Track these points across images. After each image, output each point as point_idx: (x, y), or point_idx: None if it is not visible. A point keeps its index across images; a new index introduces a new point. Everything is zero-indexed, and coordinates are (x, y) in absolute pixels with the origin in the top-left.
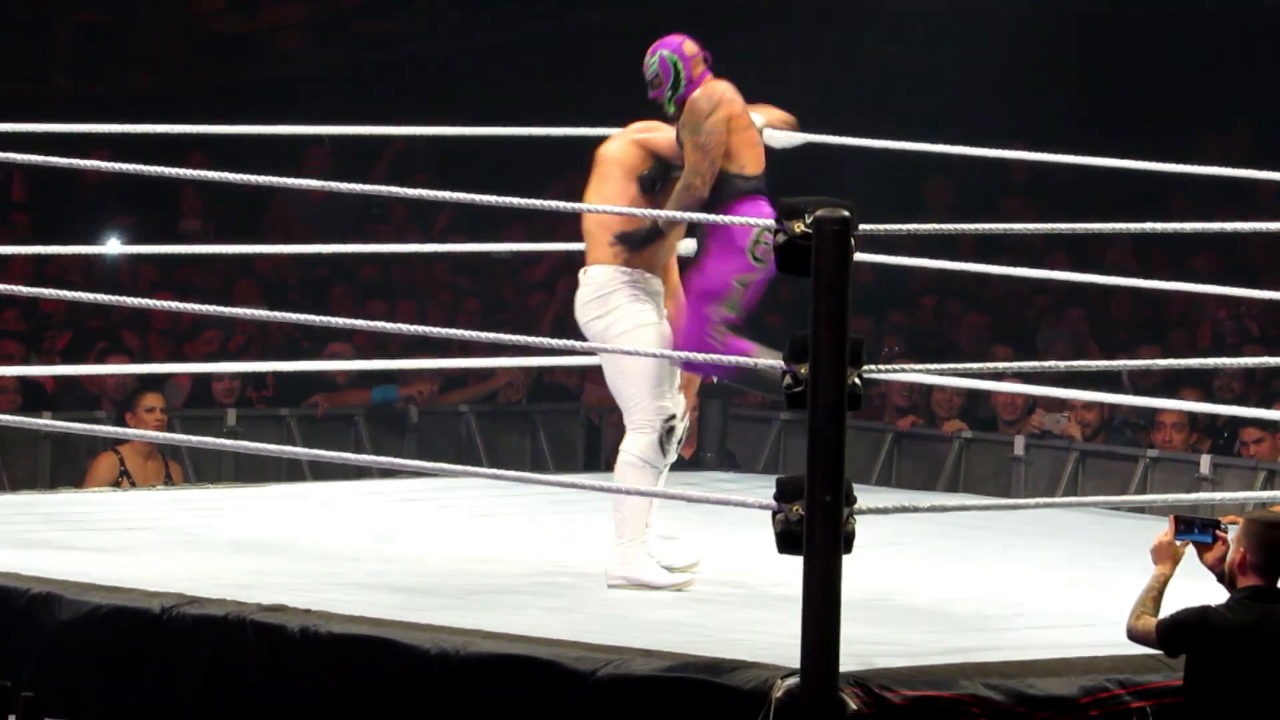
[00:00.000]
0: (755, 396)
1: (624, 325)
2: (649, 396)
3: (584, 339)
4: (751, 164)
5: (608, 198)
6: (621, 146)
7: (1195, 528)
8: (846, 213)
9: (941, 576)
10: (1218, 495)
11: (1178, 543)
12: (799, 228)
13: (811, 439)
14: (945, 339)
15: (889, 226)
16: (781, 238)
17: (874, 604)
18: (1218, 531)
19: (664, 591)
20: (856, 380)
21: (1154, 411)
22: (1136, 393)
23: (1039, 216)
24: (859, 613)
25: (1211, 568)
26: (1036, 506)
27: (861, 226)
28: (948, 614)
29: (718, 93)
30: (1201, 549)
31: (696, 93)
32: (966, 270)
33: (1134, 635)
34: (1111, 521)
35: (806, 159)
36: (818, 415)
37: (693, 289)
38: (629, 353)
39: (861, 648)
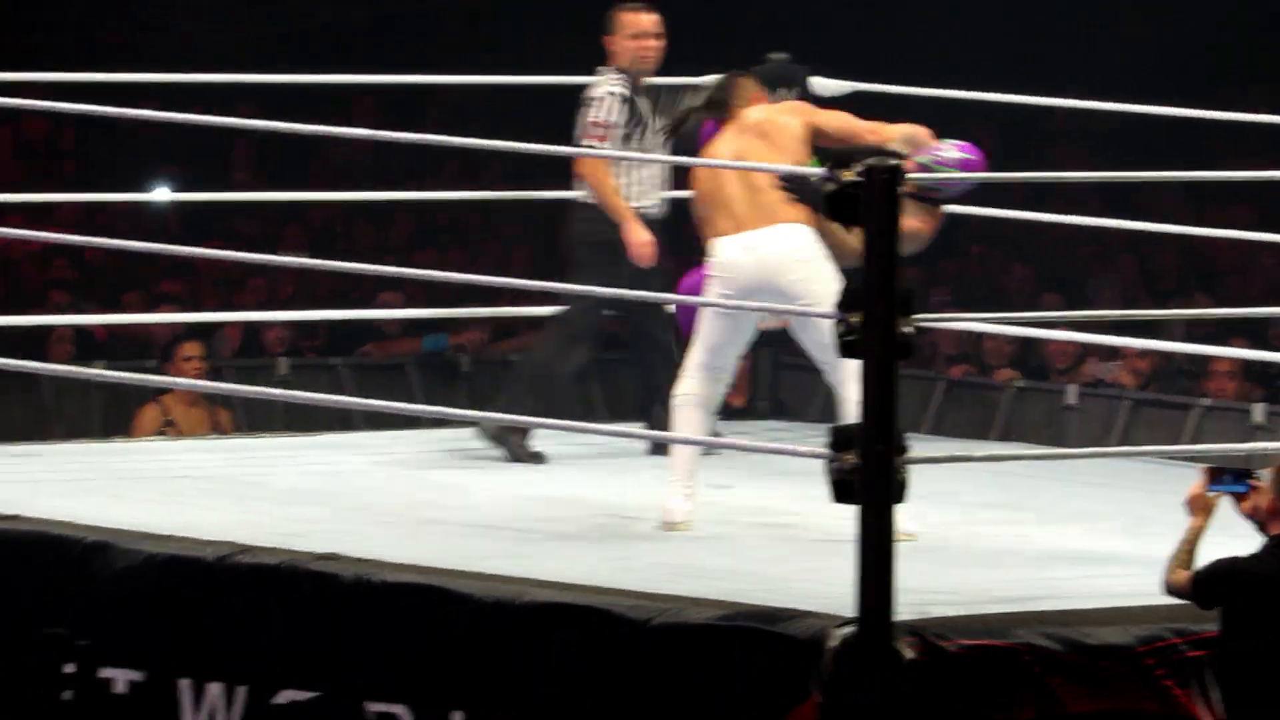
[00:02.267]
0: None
1: (830, 284)
2: None
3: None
4: None
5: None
6: (800, 124)
7: (1229, 477)
8: (895, 162)
9: (995, 525)
10: (1272, 444)
11: (1210, 494)
12: (849, 176)
13: (864, 388)
14: (995, 287)
15: (937, 175)
16: (831, 186)
17: (928, 553)
18: (1251, 481)
19: (718, 540)
20: (908, 329)
21: (1206, 360)
22: (1189, 341)
23: (1086, 165)
24: (913, 562)
25: (1249, 516)
26: (1090, 456)
27: (910, 175)
28: (1002, 563)
29: None
30: (1237, 499)
31: None
32: (1015, 218)
33: (1169, 589)
34: (1166, 470)
35: (854, 108)
36: (870, 364)
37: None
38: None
39: (916, 597)
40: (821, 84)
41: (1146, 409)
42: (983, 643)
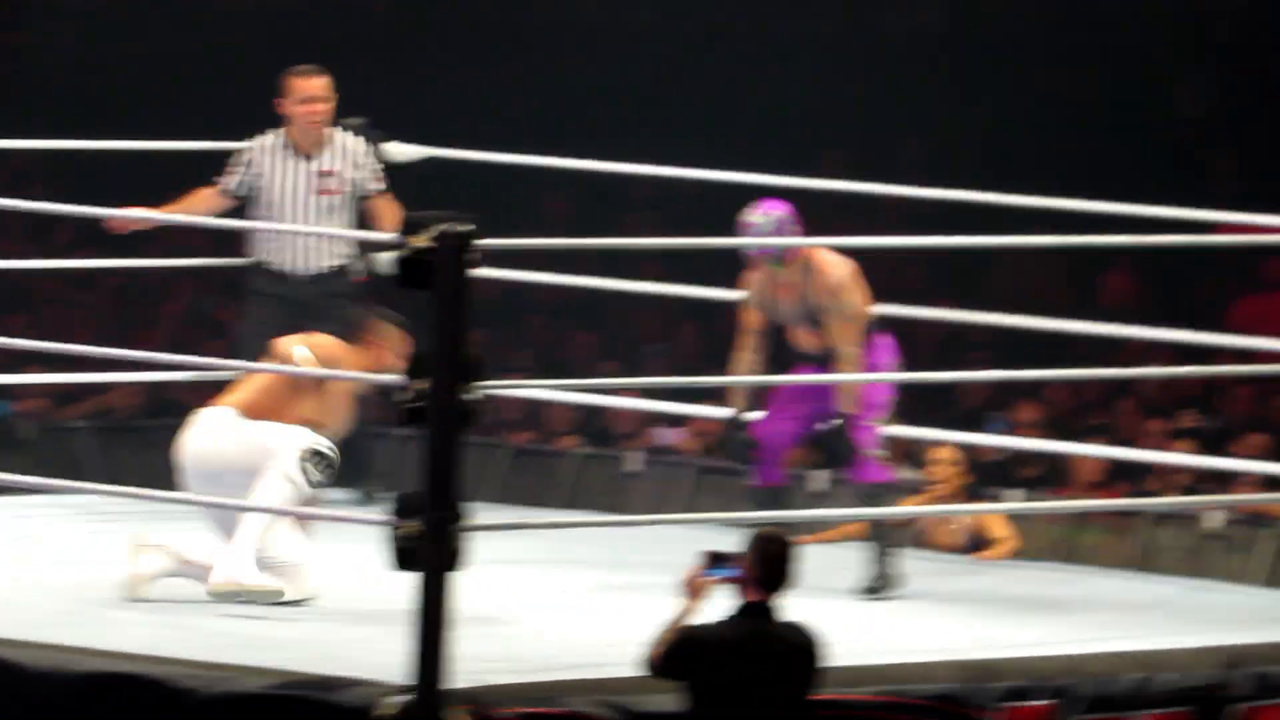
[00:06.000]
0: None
1: None
2: None
3: None
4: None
5: None
6: None
7: (727, 561)
8: (468, 227)
9: (556, 594)
10: (831, 511)
11: (706, 578)
12: (421, 242)
13: (427, 455)
14: (558, 355)
15: (510, 241)
16: (403, 252)
17: (487, 621)
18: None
19: (281, 607)
20: (474, 396)
21: None
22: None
23: (662, 231)
24: (472, 630)
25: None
26: (650, 523)
27: (482, 241)
28: (561, 631)
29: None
30: (735, 583)
31: (843, 270)
32: (584, 286)
33: (649, 669)
34: (729, 537)
35: (429, 173)
36: (434, 431)
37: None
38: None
39: (474, 664)
40: (396, 149)
41: (710, 476)
42: (537, 711)
